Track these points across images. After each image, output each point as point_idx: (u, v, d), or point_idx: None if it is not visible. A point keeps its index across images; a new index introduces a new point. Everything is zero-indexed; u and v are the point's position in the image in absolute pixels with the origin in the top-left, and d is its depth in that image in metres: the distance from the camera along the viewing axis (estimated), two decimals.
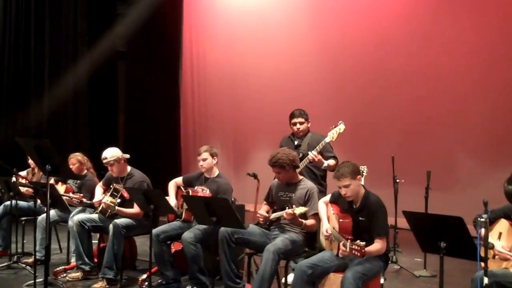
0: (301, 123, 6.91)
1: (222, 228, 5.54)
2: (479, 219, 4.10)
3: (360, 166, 5.32)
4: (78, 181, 7.38)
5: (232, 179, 7.35)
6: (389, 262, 5.67)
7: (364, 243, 4.67)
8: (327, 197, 5.53)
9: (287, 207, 5.45)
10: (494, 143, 9.10)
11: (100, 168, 7.13)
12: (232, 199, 6.46)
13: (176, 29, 13.03)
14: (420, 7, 9.89)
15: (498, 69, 9.05)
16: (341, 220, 5.12)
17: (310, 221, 5.53)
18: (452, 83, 9.51)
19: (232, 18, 12.28)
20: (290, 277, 5.46)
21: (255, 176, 6.56)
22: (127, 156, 6.83)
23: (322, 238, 5.40)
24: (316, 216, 5.51)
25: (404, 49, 9.98)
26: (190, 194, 6.42)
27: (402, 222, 5.27)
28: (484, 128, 9.21)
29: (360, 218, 5.07)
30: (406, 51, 9.95)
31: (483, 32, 9.17)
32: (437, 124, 9.69)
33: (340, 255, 4.95)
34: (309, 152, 6.55)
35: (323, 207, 5.44)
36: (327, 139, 6.60)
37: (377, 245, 4.92)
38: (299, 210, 5.36)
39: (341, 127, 6.64)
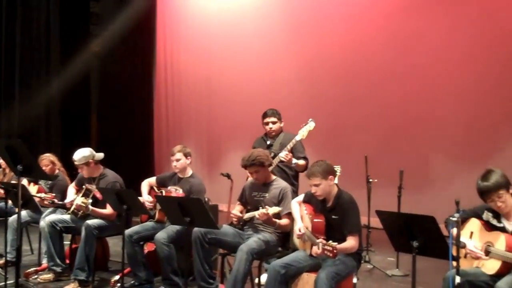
0: (273, 123, 6.93)
1: (196, 229, 5.52)
2: (451, 218, 4.14)
3: (334, 166, 5.34)
4: (50, 182, 7.30)
5: (206, 179, 7.33)
6: (362, 261, 5.70)
7: (336, 243, 4.69)
8: (300, 197, 5.54)
9: (260, 207, 5.45)
10: (467, 144, 9.19)
11: (73, 168, 7.06)
12: (206, 199, 6.44)
13: (150, 29, 12.96)
14: (398, 10, 9.93)
15: (472, 70, 9.14)
16: (314, 220, 5.13)
17: (283, 221, 5.54)
18: (425, 85, 9.58)
19: (206, 20, 12.24)
20: (264, 277, 5.47)
21: (228, 176, 6.55)
22: (101, 156, 6.76)
23: (295, 238, 5.40)
24: (290, 215, 5.52)
25: (378, 51, 10.03)
26: (164, 194, 6.38)
27: (375, 222, 5.31)
28: (457, 128, 9.29)
29: (333, 217, 5.09)
30: (380, 53, 10.01)
31: (460, 34, 9.25)
32: (410, 125, 9.76)
33: (313, 255, 4.96)
34: (280, 154, 6.56)
35: (296, 206, 5.44)
36: (298, 137, 6.63)
37: (350, 243, 4.94)
38: (273, 210, 5.36)
39: (311, 124, 6.68)
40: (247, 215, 5.74)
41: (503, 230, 4.46)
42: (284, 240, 5.74)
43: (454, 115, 9.32)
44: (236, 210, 5.92)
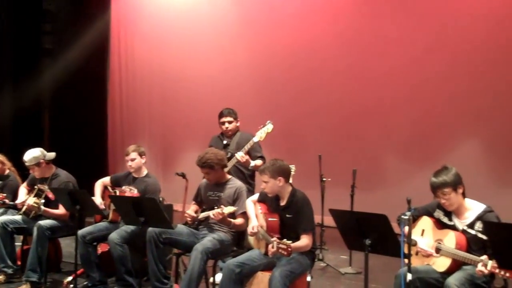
0: (229, 122, 6.93)
1: (150, 229, 5.49)
2: (402, 216, 4.21)
3: (289, 166, 5.38)
4: (0, 182, 7.16)
5: (161, 179, 7.31)
6: (316, 259, 5.76)
7: (290, 242, 4.73)
8: (255, 196, 5.58)
9: (215, 207, 5.45)
10: (419, 143, 9.36)
11: (24, 168, 6.94)
12: (161, 198, 6.41)
13: (104, 26, 12.79)
14: (348, 9, 10.05)
15: (425, 70, 9.31)
16: (269, 219, 5.16)
17: (238, 220, 5.55)
18: (378, 84, 9.72)
19: (161, 17, 12.17)
20: (218, 277, 5.47)
21: (183, 175, 6.53)
22: (53, 155, 6.67)
23: (250, 237, 5.43)
24: (245, 215, 5.54)
25: (333, 52, 10.13)
26: (118, 194, 6.33)
27: (329, 220, 5.37)
28: (409, 128, 9.46)
29: (287, 216, 5.13)
30: (334, 54, 10.11)
31: (411, 32, 9.40)
32: (363, 124, 9.89)
33: (269, 254, 4.99)
34: (237, 153, 6.57)
35: (251, 205, 5.47)
36: (255, 139, 6.64)
37: (304, 241, 4.99)
38: (228, 209, 5.38)
39: (269, 126, 6.69)
40: (202, 215, 5.74)
41: (453, 228, 4.56)
42: (239, 239, 5.76)
43: (405, 115, 9.48)
44: (191, 209, 5.91)
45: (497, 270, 4.00)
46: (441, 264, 4.49)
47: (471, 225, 4.47)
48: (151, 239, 5.52)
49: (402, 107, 9.52)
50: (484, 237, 4.29)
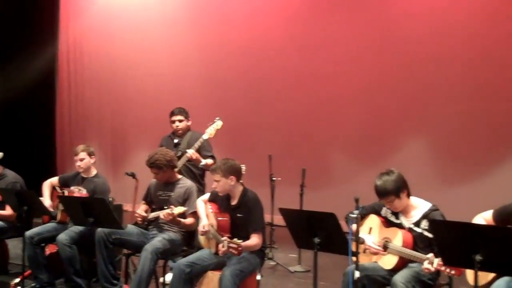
0: (180, 121, 6.94)
1: (99, 229, 5.46)
2: (350, 215, 4.29)
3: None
4: None
5: (110, 179, 7.23)
6: (266, 258, 5.80)
7: (241, 241, 4.77)
8: (206, 196, 5.58)
9: (166, 207, 5.45)
10: (367, 142, 9.49)
11: None
12: (110, 199, 6.35)
13: (53, 23, 12.55)
14: (299, 9, 10.12)
15: (372, 71, 9.43)
16: (219, 218, 5.18)
17: (188, 220, 5.56)
18: (327, 84, 9.81)
19: (111, 13, 12.01)
20: (168, 277, 5.47)
21: (133, 175, 6.50)
22: (0, 155, 6.54)
23: (200, 237, 5.43)
24: (195, 215, 5.54)
25: (281, 51, 10.18)
26: (66, 194, 6.25)
27: (279, 219, 5.41)
28: (357, 127, 9.58)
29: (238, 215, 5.16)
30: (284, 53, 10.16)
31: (360, 33, 9.52)
32: (312, 124, 9.97)
33: (219, 254, 5.01)
34: (188, 150, 6.58)
35: (202, 205, 5.48)
36: (205, 136, 6.68)
37: (254, 240, 5.03)
38: (178, 210, 5.38)
39: (218, 123, 6.75)
40: (152, 215, 5.73)
41: (400, 226, 4.66)
42: (189, 239, 5.76)
43: (354, 115, 9.60)
44: (141, 209, 5.88)
45: (442, 268, 4.11)
46: (388, 261, 4.58)
47: (417, 224, 4.57)
48: (100, 239, 5.48)
49: (350, 107, 9.64)
50: (430, 235, 4.39)
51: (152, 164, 5.68)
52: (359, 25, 9.56)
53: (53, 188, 6.51)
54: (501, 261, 3.69)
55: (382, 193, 4.54)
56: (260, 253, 5.22)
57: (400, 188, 4.54)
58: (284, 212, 4.59)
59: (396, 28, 9.25)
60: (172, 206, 5.40)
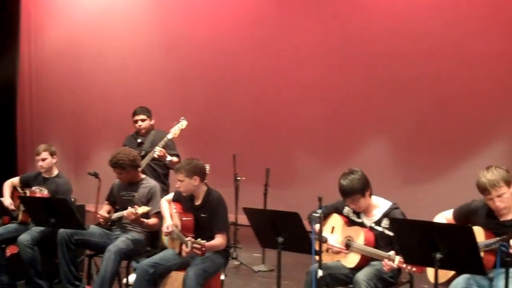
0: (143, 120, 6.93)
1: (61, 230, 5.41)
2: (313, 214, 4.33)
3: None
4: None
5: (72, 179, 7.18)
6: (230, 258, 5.81)
7: (205, 241, 4.77)
8: (170, 195, 5.57)
9: (129, 207, 5.42)
10: (330, 142, 9.56)
11: None
12: (72, 199, 6.29)
13: (13, 20, 12.33)
14: (267, 11, 10.12)
15: (334, 72, 9.50)
16: (183, 218, 5.18)
17: (152, 220, 5.53)
18: (290, 84, 9.85)
19: (73, 11, 11.89)
20: (132, 277, 5.44)
21: (96, 175, 6.43)
22: None
23: (164, 237, 5.42)
24: (159, 215, 5.52)
25: (245, 51, 10.19)
26: (28, 194, 6.17)
27: (243, 219, 5.43)
28: (320, 127, 9.64)
29: (202, 215, 5.16)
30: (248, 52, 10.15)
31: (322, 35, 9.58)
32: (276, 124, 10.00)
33: (183, 254, 5.00)
34: (155, 148, 6.57)
35: (166, 205, 5.46)
36: (170, 136, 6.69)
37: (218, 240, 5.04)
38: (142, 209, 5.35)
39: (183, 123, 6.77)
40: (115, 215, 5.69)
41: (362, 225, 4.72)
42: (153, 239, 5.74)
43: (316, 115, 9.65)
44: (104, 210, 5.85)
45: (403, 265, 4.18)
46: (351, 260, 4.64)
47: (378, 222, 4.64)
48: (63, 240, 5.43)
49: (313, 107, 9.69)
50: (391, 234, 4.46)
51: (115, 164, 5.65)
52: (319, 23, 9.61)
53: (14, 189, 6.42)
54: (460, 259, 3.76)
55: (348, 192, 4.58)
56: (224, 253, 5.23)
57: (365, 186, 4.61)
58: (248, 211, 4.61)
59: (357, 27, 9.33)
60: (135, 206, 5.37)
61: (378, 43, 9.11)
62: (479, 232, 4.06)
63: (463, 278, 4.10)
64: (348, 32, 9.41)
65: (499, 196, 4.07)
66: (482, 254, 3.87)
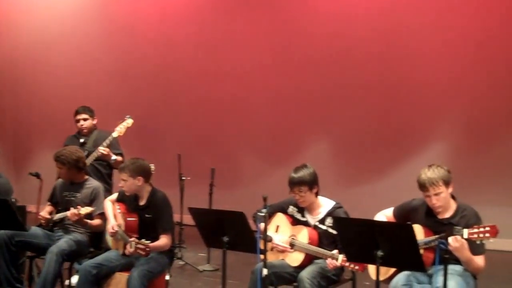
0: (85, 120, 6.86)
1: (1, 231, 5.30)
2: (258, 213, 4.36)
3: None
4: None
5: (13, 179, 7.02)
6: (174, 258, 5.79)
7: (149, 241, 4.75)
8: (114, 196, 5.53)
9: (72, 207, 5.34)
10: (275, 143, 9.64)
11: None
12: (13, 200, 6.15)
13: None
14: (210, 11, 10.09)
15: (277, 73, 9.57)
16: (127, 218, 5.14)
17: (96, 221, 5.48)
18: (235, 84, 9.87)
19: (14, 10, 11.64)
20: (74, 279, 5.37)
21: (37, 175, 6.32)
22: None
23: (108, 238, 5.37)
24: (103, 215, 5.46)
25: (192, 50, 10.15)
26: None
27: (188, 219, 5.41)
28: (265, 128, 9.71)
29: (146, 215, 5.14)
30: (194, 52, 10.13)
31: (265, 35, 9.63)
32: (221, 124, 10.02)
33: (126, 254, 4.97)
34: (100, 147, 6.50)
35: (110, 205, 5.41)
36: (115, 134, 6.64)
37: (163, 241, 5.03)
38: (85, 210, 5.29)
39: (128, 121, 6.73)
40: (57, 216, 5.61)
41: (306, 224, 4.79)
42: (96, 240, 5.67)
43: (261, 116, 9.72)
44: (45, 211, 5.76)
45: (346, 263, 4.26)
46: (295, 258, 4.70)
47: (322, 221, 4.72)
48: (2, 242, 5.32)
49: (257, 108, 9.74)
50: (334, 232, 4.53)
51: (57, 158, 5.61)
52: (264, 25, 9.67)
53: None
54: (401, 256, 3.86)
55: (297, 181, 4.66)
56: (169, 253, 5.21)
57: (314, 182, 4.71)
58: (193, 211, 4.61)
59: (299, 29, 9.42)
60: (78, 206, 5.31)
61: (322, 48, 9.24)
62: (418, 230, 4.16)
63: (403, 274, 4.20)
64: (293, 36, 9.50)
65: (436, 194, 4.19)
66: (421, 251, 3.98)
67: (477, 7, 8.40)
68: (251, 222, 4.45)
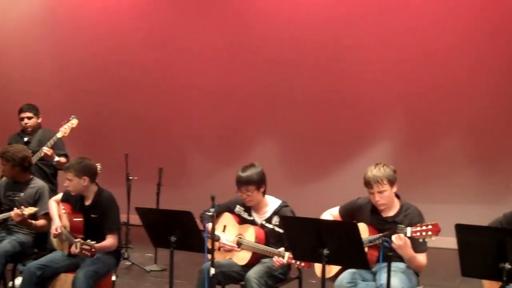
0: (29, 118, 6.76)
1: None
2: (206, 213, 4.37)
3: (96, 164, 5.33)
4: None
5: None
6: (121, 258, 5.75)
7: (94, 242, 4.70)
8: (59, 196, 5.45)
9: (15, 208, 5.25)
10: (223, 142, 9.65)
11: None
12: None
13: None
14: (161, 9, 10.03)
15: (224, 73, 9.60)
16: (73, 219, 5.08)
17: (40, 222, 5.40)
18: (183, 83, 9.84)
19: None
20: (18, 280, 5.28)
21: None
22: None
23: (53, 238, 5.30)
24: (47, 216, 5.39)
25: (138, 48, 10.04)
26: None
27: (135, 219, 5.39)
28: (213, 127, 9.71)
29: (92, 215, 5.08)
30: (141, 50, 10.02)
31: (214, 35, 9.63)
32: (169, 123, 9.98)
33: (72, 255, 4.91)
34: (43, 147, 6.40)
35: (54, 205, 5.34)
36: (59, 134, 6.53)
37: (109, 241, 4.98)
38: (29, 210, 5.21)
39: (73, 121, 6.64)
40: (0, 216, 5.50)
41: (253, 223, 4.82)
42: (41, 240, 5.59)
43: (209, 114, 9.71)
44: None
45: (293, 261, 4.31)
46: (242, 257, 4.73)
47: (268, 220, 4.76)
48: None
49: (205, 107, 9.73)
50: (281, 231, 4.58)
51: (2, 155, 5.56)
52: (214, 23, 9.67)
53: None
54: (346, 255, 3.92)
55: (245, 181, 4.68)
56: (116, 253, 5.17)
57: (262, 181, 4.74)
58: (141, 211, 4.59)
59: (249, 29, 9.47)
60: (22, 207, 5.22)
61: (271, 49, 9.29)
62: (363, 229, 4.25)
63: (348, 272, 4.28)
64: (241, 37, 9.54)
65: (380, 192, 4.28)
66: (366, 249, 4.06)
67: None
68: (198, 221, 4.46)
